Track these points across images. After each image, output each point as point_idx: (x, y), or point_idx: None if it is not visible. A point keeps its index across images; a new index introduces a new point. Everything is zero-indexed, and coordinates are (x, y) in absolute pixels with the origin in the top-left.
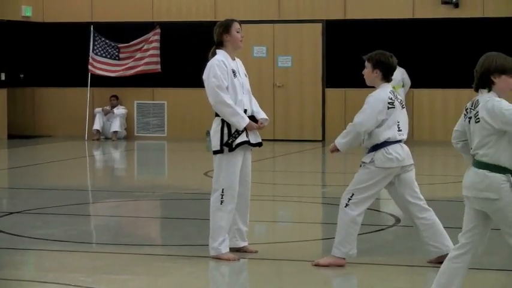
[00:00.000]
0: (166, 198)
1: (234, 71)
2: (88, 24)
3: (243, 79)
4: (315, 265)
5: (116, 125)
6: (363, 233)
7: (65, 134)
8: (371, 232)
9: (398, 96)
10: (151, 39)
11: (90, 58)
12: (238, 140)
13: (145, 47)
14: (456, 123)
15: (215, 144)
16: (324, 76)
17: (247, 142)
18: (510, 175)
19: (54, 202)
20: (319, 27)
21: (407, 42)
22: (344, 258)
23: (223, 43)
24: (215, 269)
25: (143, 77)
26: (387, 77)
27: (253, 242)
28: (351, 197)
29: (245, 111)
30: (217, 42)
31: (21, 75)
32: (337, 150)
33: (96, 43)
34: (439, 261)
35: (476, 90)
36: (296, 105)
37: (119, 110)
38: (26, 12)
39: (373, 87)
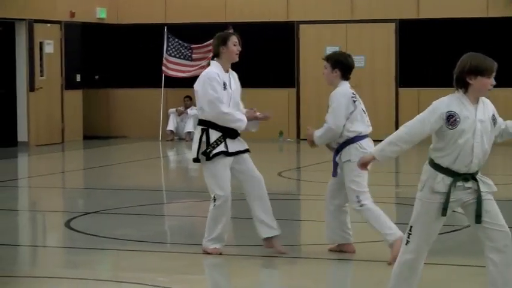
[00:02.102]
0: (239, 198)
1: (224, 84)
2: (162, 25)
3: (232, 92)
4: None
5: (190, 126)
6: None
7: (139, 134)
8: (446, 233)
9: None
10: None
11: (163, 59)
12: (216, 150)
13: None
14: None
15: (193, 152)
16: (397, 76)
17: (225, 152)
18: None
19: (129, 202)
20: (392, 26)
21: (481, 41)
22: (396, 239)
23: (219, 55)
24: (292, 268)
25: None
26: (345, 76)
27: (325, 242)
28: (359, 199)
29: None
30: (214, 54)
31: (96, 77)
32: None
33: (169, 44)
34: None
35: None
36: (369, 105)
37: (193, 111)
38: (101, 14)
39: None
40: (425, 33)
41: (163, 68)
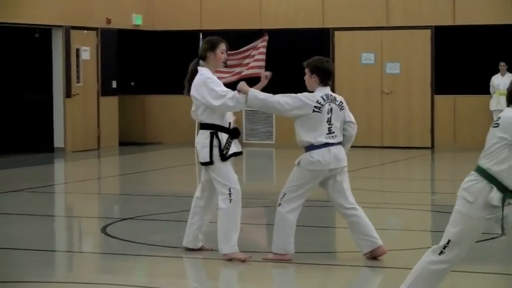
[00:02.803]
0: (274, 205)
1: None
2: (197, 32)
3: None
4: (264, 260)
5: None
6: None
7: (174, 140)
8: (483, 241)
9: (337, 99)
10: (259, 46)
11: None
12: (230, 152)
13: (252, 54)
14: None
15: (204, 156)
16: (432, 83)
17: (235, 153)
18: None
19: (164, 208)
20: (428, 33)
21: None
22: (286, 254)
23: (206, 59)
24: (324, 275)
25: (252, 85)
26: (324, 81)
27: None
28: (283, 196)
29: (229, 123)
30: (200, 56)
31: (132, 83)
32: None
33: None
34: (374, 255)
35: (508, 106)
36: (404, 112)
37: None
38: (137, 20)
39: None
40: (461, 40)
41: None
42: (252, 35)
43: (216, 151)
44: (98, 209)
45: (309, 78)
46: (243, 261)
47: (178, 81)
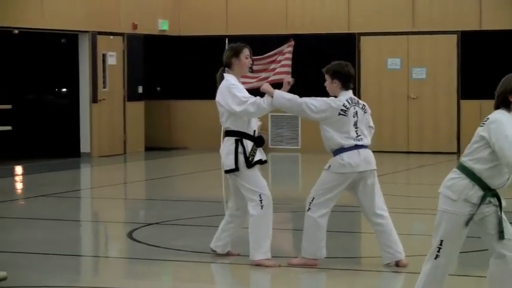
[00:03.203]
0: (301, 210)
1: None
2: (223, 37)
3: None
4: (289, 265)
5: None
6: None
7: (200, 146)
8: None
9: (360, 103)
10: (284, 51)
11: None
12: (256, 158)
13: (278, 59)
14: None
15: (230, 164)
16: (458, 88)
17: (260, 161)
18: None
19: (189, 213)
20: (454, 38)
21: None
22: (315, 259)
23: (231, 66)
24: (351, 281)
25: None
26: (346, 85)
27: None
28: (312, 200)
29: (254, 131)
30: (225, 63)
31: (158, 88)
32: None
33: None
34: (396, 265)
35: (496, 109)
36: (430, 117)
37: None
38: (163, 26)
39: None
40: (487, 45)
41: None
42: (278, 40)
43: (241, 158)
44: (123, 214)
45: (330, 84)
46: (271, 267)
47: (203, 87)
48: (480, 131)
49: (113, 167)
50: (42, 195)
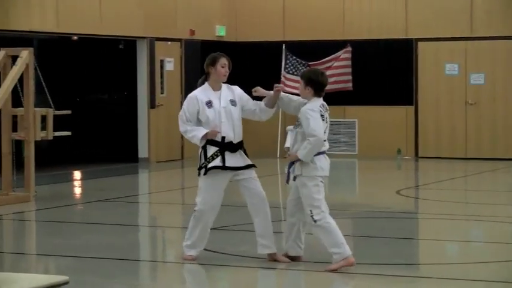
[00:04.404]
0: (358, 216)
1: (209, 102)
2: (280, 43)
3: (221, 108)
4: (328, 271)
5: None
6: None
7: (256, 152)
8: None
9: (327, 109)
10: (341, 57)
11: (281, 76)
12: (211, 165)
13: (335, 65)
14: None
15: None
16: None
17: (221, 167)
18: None
19: (247, 219)
20: None
21: None
22: (345, 258)
23: (209, 74)
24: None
25: (334, 94)
26: (318, 93)
27: (444, 261)
28: (312, 214)
29: (223, 138)
30: (205, 72)
31: None
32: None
33: (287, 61)
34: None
35: None
36: (489, 123)
37: (289, 126)
38: (220, 32)
39: None
40: None
41: (281, 85)
42: (335, 46)
43: (200, 163)
44: (181, 219)
45: (303, 90)
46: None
47: None
48: None
49: (170, 172)
50: (101, 200)
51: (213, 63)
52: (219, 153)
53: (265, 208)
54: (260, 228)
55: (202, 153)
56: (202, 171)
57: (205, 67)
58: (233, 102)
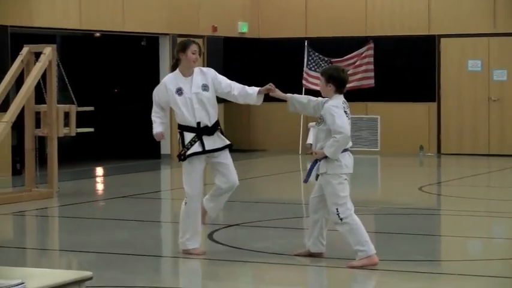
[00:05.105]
0: (380, 212)
1: (179, 89)
2: (302, 39)
3: (192, 95)
4: (349, 267)
5: (310, 138)
6: None
7: (279, 148)
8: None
9: (348, 106)
10: (364, 54)
11: (304, 73)
12: (190, 151)
13: (358, 62)
14: None
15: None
16: None
17: (200, 152)
18: None
19: (269, 215)
20: None
21: None
22: (369, 256)
23: (179, 61)
24: (433, 284)
25: (356, 91)
26: (340, 90)
27: (467, 258)
28: (337, 212)
29: (198, 123)
30: (175, 59)
31: None
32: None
33: (310, 58)
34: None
35: None
36: (511, 120)
37: (311, 123)
38: (243, 28)
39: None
40: None
41: (304, 82)
42: (357, 42)
43: (179, 150)
44: None
45: (325, 87)
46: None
47: (283, 88)
48: None
49: None
50: (123, 196)
51: (184, 49)
52: (196, 139)
53: (229, 193)
54: (210, 201)
55: (180, 140)
56: (183, 158)
57: (175, 53)
58: (205, 87)
